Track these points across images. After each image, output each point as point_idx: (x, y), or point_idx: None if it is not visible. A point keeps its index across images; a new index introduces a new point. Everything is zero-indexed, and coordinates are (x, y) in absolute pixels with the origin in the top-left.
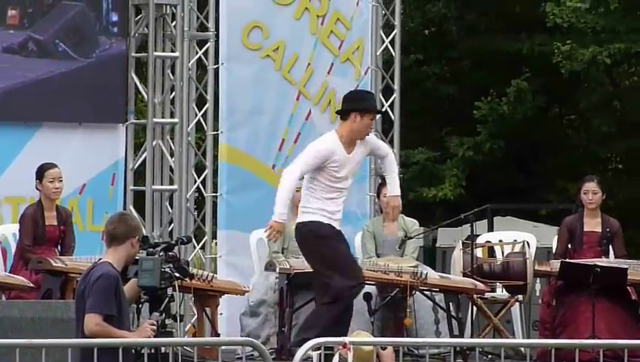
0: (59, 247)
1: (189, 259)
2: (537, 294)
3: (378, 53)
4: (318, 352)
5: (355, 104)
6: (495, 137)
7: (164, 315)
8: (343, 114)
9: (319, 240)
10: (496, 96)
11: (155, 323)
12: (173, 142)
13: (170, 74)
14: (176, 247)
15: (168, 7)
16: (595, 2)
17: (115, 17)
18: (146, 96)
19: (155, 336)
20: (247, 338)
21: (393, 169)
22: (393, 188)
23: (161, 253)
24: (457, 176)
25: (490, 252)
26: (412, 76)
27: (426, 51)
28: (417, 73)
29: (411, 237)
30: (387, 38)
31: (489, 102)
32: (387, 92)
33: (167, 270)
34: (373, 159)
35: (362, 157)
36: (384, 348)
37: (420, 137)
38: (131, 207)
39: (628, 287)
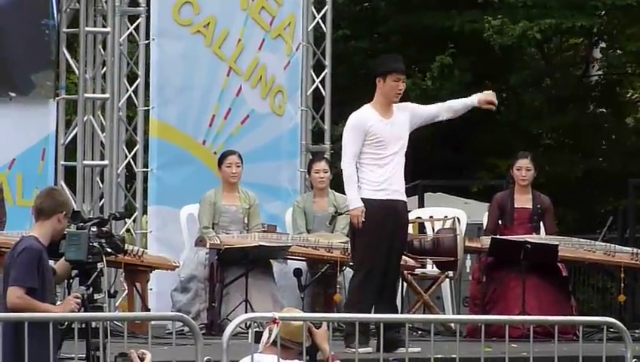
0: None
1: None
2: (467, 270)
3: (309, 29)
4: (255, 329)
5: (377, 69)
6: None
7: (91, 289)
8: (374, 83)
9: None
10: (420, 71)
11: (80, 296)
12: (104, 118)
13: (102, 49)
14: (109, 223)
15: None
16: None
17: None
18: (77, 72)
19: (80, 310)
20: (177, 314)
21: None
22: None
23: (93, 228)
24: None
25: (421, 228)
26: (340, 51)
27: (355, 27)
28: (345, 48)
29: (342, 213)
30: (318, 13)
31: (411, 77)
32: (318, 68)
33: (96, 244)
34: (304, 134)
35: (407, 122)
36: (319, 326)
37: (349, 112)
38: (62, 182)
39: (558, 264)
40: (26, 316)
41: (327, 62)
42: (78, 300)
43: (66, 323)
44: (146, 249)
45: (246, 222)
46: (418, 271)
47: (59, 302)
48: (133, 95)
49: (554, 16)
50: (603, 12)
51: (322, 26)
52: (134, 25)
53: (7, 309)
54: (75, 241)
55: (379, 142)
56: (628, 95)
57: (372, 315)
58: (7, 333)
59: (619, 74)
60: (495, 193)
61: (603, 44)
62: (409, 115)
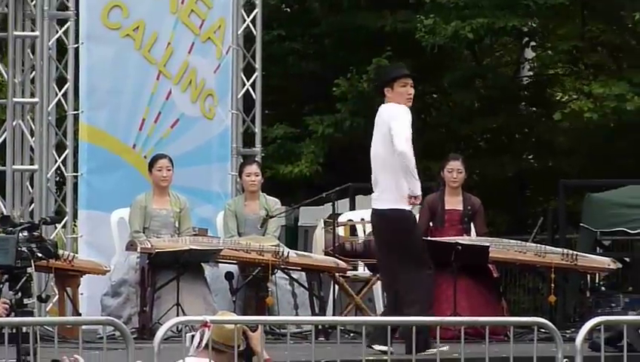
0: None
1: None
2: None
3: (239, 32)
4: (191, 334)
5: (383, 79)
6: (355, 115)
7: (20, 294)
8: (381, 95)
9: None
10: (356, 73)
11: (8, 302)
12: (33, 122)
13: (31, 53)
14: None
15: None
16: None
17: None
18: (5, 76)
19: (8, 315)
20: (108, 318)
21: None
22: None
23: (24, 233)
24: (315, 153)
25: (352, 230)
26: (273, 52)
27: (289, 28)
28: (279, 49)
29: (273, 216)
30: (248, 16)
31: (349, 80)
32: (249, 71)
33: (25, 249)
34: (235, 137)
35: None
36: (254, 329)
37: (281, 114)
38: None
39: (489, 265)
40: None
41: (258, 65)
42: (6, 305)
43: None
44: (77, 253)
45: (177, 225)
46: (350, 273)
47: None
48: (62, 99)
49: (486, 15)
50: (535, 11)
51: (252, 29)
52: (63, 29)
53: None
54: (2, 246)
55: None
56: (558, 97)
57: (307, 318)
58: None
59: (549, 74)
60: (426, 195)
61: (534, 44)
62: None
